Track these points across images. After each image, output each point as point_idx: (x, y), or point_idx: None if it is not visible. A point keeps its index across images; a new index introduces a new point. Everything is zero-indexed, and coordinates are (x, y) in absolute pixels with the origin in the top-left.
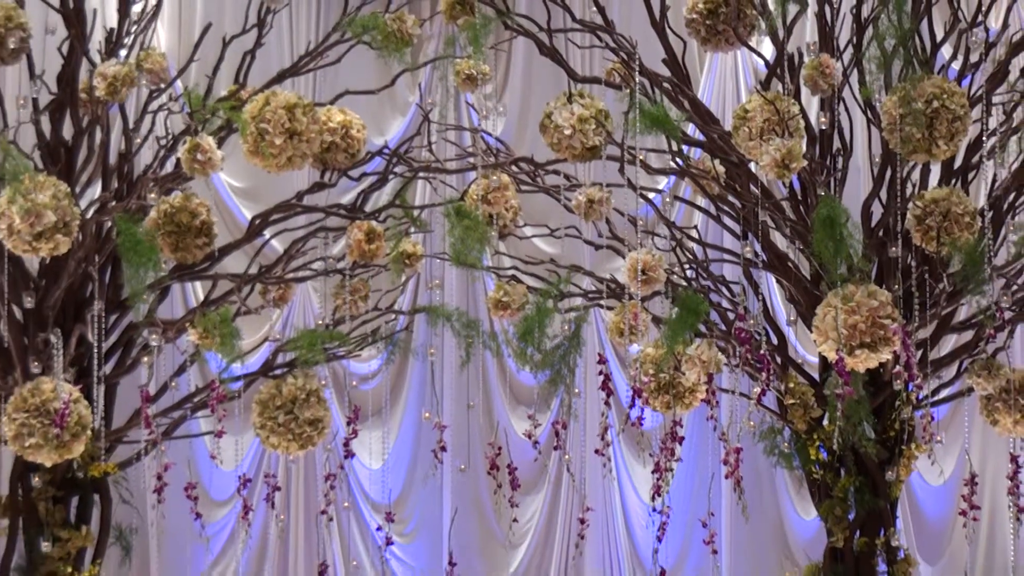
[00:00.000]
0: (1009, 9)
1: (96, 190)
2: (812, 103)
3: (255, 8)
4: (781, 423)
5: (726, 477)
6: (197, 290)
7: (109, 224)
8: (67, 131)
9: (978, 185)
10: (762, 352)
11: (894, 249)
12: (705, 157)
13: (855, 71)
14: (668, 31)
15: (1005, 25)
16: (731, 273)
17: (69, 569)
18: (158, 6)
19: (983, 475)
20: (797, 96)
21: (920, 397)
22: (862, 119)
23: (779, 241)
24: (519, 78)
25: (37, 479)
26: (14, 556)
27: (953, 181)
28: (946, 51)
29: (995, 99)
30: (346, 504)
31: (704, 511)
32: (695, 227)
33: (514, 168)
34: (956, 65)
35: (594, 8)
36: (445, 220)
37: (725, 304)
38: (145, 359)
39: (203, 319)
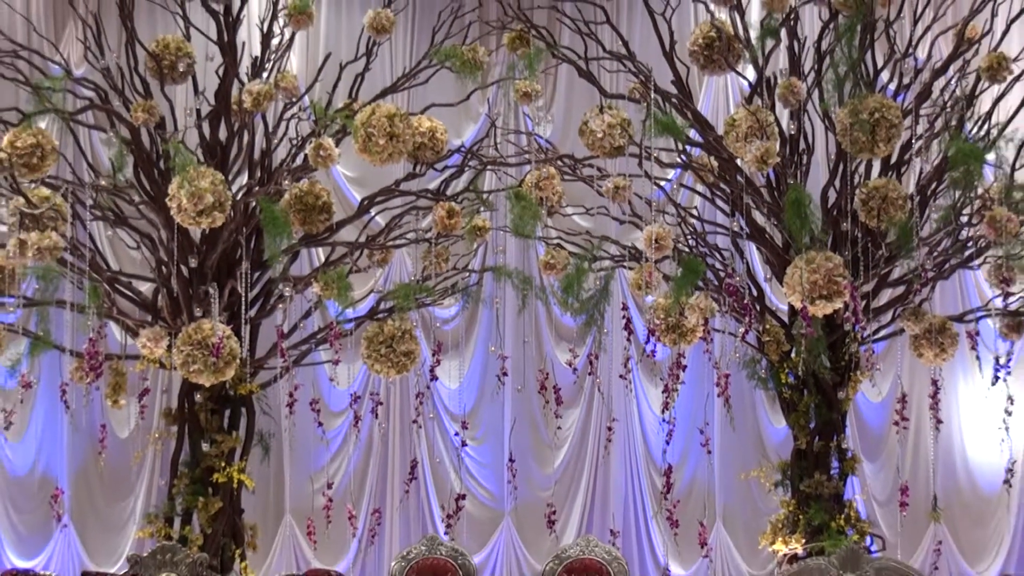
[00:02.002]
0: (932, 44)
1: (244, 178)
2: (784, 114)
3: (364, 41)
4: (759, 355)
5: (718, 396)
6: (320, 254)
7: (254, 204)
8: (222, 133)
9: (909, 176)
10: (745, 302)
11: (845, 224)
12: (703, 154)
13: (816, 90)
14: (676, 59)
15: (929, 56)
16: (722, 242)
17: (223, 464)
18: (291, 40)
19: (911, 395)
20: (772, 109)
21: (864, 336)
22: (821, 126)
23: (759, 218)
24: (563, 94)
25: (199, 396)
26: (182, 454)
27: (890, 173)
28: (885, 75)
29: (922, 112)
30: (431, 415)
31: (701, 421)
32: (695, 207)
33: (559, 162)
34: (892, 86)
35: (620, 42)
36: (507, 202)
37: (718, 265)
38: (280, 306)
39: (324, 275)
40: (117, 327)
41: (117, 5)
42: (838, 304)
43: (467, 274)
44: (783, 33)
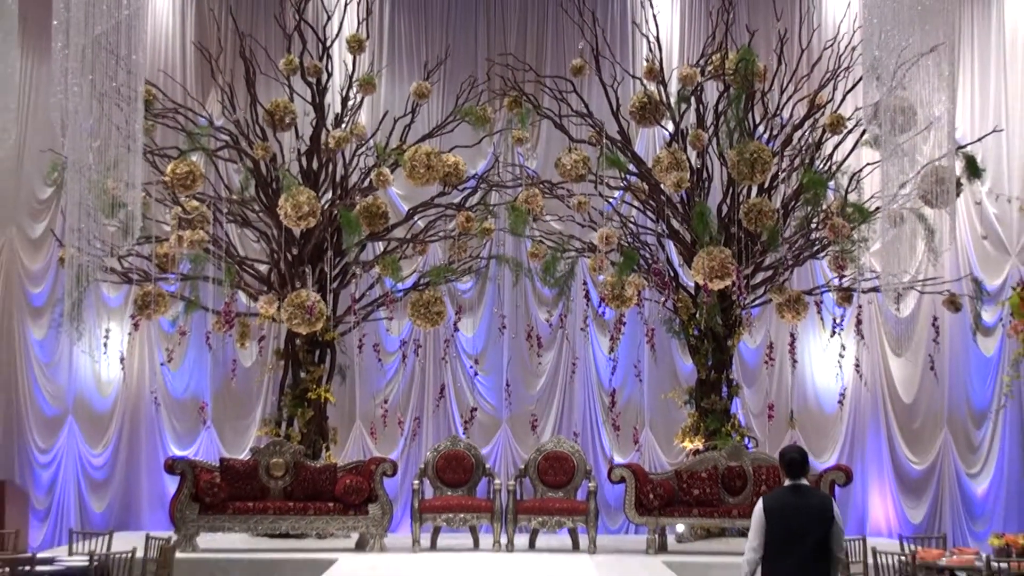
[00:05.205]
0: (793, 107)
1: (329, 194)
2: (692, 154)
3: (410, 103)
4: (675, 316)
5: (647, 343)
6: (380, 246)
7: (336, 212)
8: (315, 164)
9: (776, 196)
10: (666, 280)
11: (733, 228)
12: (638, 180)
13: (715, 138)
14: (620, 116)
15: (791, 116)
16: (650, 240)
17: (314, 386)
18: (361, 102)
19: (776, 342)
20: (685, 150)
21: (745, 303)
22: (718, 162)
23: (675, 224)
24: (544, 139)
25: (299, 341)
26: (287, 379)
27: (763, 194)
28: (761, 128)
29: (785, 153)
30: (454, 355)
31: (635, 359)
32: (633, 216)
33: (541, 185)
34: (766, 135)
35: (583, 104)
36: (506, 212)
37: (647, 255)
38: (353, 280)
39: (383, 260)
40: (244, 294)
41: (244, 78)
42: (728, 282)
43: (479, 260)
44: (692, 99)
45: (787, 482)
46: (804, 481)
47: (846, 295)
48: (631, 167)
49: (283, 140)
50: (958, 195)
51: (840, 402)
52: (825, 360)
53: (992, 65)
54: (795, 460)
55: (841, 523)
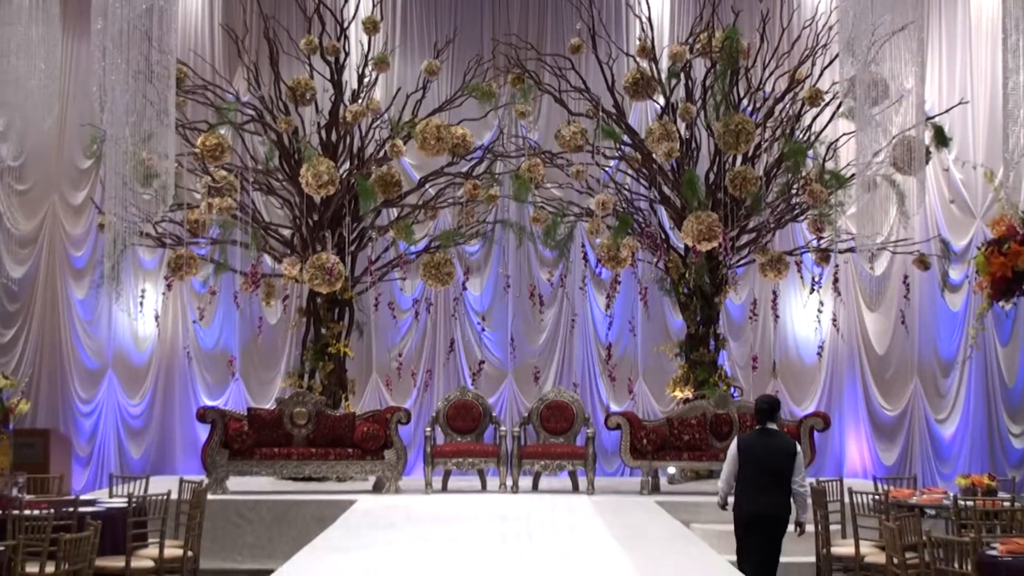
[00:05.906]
0: (775, 82)
1: (347, 164)
2: (682, 126)
3: (421, 80)
4: (666, 275)
5: (640, 300)
6: (394, 212)
7: (353, 180)
8: (333, 137)
9: (759, 164)
10: (658, 242)
11: (720, 194)
12: (632, 150)
13: (702, 111)
14: (615, 91)
15: (772, 90)
16: (643, 205)
17: (334, 341)
18: (376, 79)
19: (760, 298)
20: (675, 122)
21: (730, 263)
22: (706, 133)
23: (666, 190)
24: (545, 112)
25: (320, 299)
26: (309, 335)
27: (748, 163)
28: (745, 101)
29: (767, 124)
30: (463, 312)
31: (630, 315)
32: (627, 183)
33: (543, 155)
34: (749, 108)
35: (580, 80)
36: (510, 180)
37: (640, 220)
38: (369, 243)
39: (397, 225)
40: (269, 257)
41: (268, 58)
42: (715, 243)
43: (485, 225)
44: (682, 75)
45: (758, 426)
46: (772, 425)
47: (824, 255)
48: (625, 138)
49: (304, 115)
50: (927, 162)
51: (819, 354)
52: (805, 315)
53: (958, 42)
54: (763, 408)
55: (802, 461)
